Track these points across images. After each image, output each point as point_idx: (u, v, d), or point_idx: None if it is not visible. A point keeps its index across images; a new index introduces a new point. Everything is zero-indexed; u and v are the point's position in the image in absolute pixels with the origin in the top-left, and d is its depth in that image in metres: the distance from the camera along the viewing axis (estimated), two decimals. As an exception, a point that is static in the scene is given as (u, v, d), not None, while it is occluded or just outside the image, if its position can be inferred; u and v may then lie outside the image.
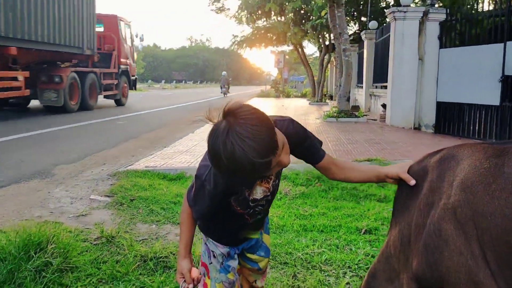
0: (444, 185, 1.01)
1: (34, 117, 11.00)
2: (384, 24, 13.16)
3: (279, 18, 23.40)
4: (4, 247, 2.26)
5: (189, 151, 6.02)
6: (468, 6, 8.53)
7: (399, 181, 1.23)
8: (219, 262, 1.50)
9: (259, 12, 22.81)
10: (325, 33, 19.69)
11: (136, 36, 18.05)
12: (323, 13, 16.14)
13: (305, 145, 1.36)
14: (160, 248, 2.55)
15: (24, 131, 7.92)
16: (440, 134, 8.66)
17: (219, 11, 26.23)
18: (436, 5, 9.63)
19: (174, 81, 73.07)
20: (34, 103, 12.78)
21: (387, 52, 10.08)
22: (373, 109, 13.40)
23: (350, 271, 2.41)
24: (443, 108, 8.67)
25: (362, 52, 14.79)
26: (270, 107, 17.46)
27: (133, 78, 17.55)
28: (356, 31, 19.55)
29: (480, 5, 8.35)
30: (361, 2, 18.48)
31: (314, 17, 18.37)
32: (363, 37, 14.21)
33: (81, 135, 7.99)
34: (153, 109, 14.95)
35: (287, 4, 20.14)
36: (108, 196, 3.78)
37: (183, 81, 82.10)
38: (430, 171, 1.08)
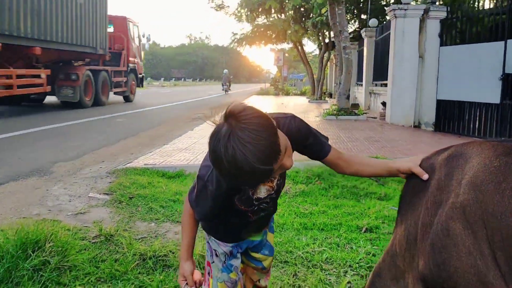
0: (453, 184, 0.98)
1: (49, 112, 11.69)
2: (384, 22, 13.13)
3: (279, 16, 23.34)
4: (1, 245, 2.23)
5: (188, 149, 5.99)
6: (469, 4, 8.48)
7: (408, 176, 1.20)
8: (222, 261, 1.48)
9: (259, 9, 22.74)
10: (325, 31, 19.62)
11: (143, 36, 18.94)
12: (323, 11, 16.10)
13: (309, 141, 1.33)
14: (159, 246, 2.52)
15: (24, 128, 7.89)
16: (440, 132, 8.64)
17: (218, 9, 26.15)
18: (437, 3, 9.59)
19: (173, 79, 73.01)
20: (49, 99, 13.84)
21: (387, 50, 10.05)
22: (372, 107, 13.38)
23: (351, 270, 2.39)
24: (443, 106, 8.65)
25: (362, 50, 14.76)
26: (270, 105, 17.43)
27: (140, 76, 18.49)
28: (356, 29, 19.50)
29: (481, 3, 8.33)
30: (361, 0, 18.43)
31: (314, 15, 18.31)
32: (363, 35, 14.18)
33: (81, 132, 7.96)
34: (153, 107, 14.98)
35: (287, 1, 20.08)
36: (106, 194, 3.75)
37: (182, 79, 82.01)
38: (438, 169, 1.05)
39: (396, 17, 9.14)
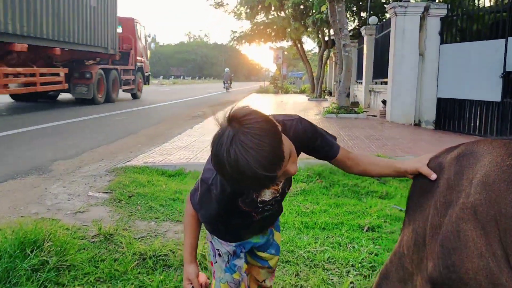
0: (463, 183, 0.95)
1: (64, 108, 12.48)
2: (384, 20, 13.10)
3: (278, 13, 23.29)
4: (-1, 245, 2.20)
5: (188, 147, 5.95)
6: (469, 2, 8.44)
7: (415, 176, 1.18)
8: (225, 261, 1.45)
9: (259, 6, 22.71)
10: (324, 28, 19.59)
11: (149, 36, 19.95)
12: (323, 9, 16.06)
13: (317, 143, 1.30)
14: (159, 246, 2.50)
15: (22, 126, 7.85)
16: (440, 130, 8.62)
17: (217, 6, 26.11)
18: (437, 0, 9.57)
19: (172, 77, 72.86)
20: (62, 96, 15.00)
21: (387, 47, 10.02)
22: (372, 105, 13.36)
23: (353, 269, 2.36)
24: (443, 104, 8.62)
25: (362, 48, 14.72)
26: (269, 103, 17.40)
27: (146, 74, 19.53)
28: (356, 27, 19.47)
29: (481, 0, 8.28)
30: (361, -2, 18.39)
31: (314, 12, 18.27)
32: (362, 32, 14.14)
33: (80, 130, 7.92)
34: (153, 104, 14.99)
35: (287, -1, 20.04)
36: (106, 192, 3.72)
37: (181, 77, 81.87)
38: (447, 168, 1.02)
39: (396, 15, 9.11)
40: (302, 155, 1.35)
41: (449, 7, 8.73)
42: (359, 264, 2.41)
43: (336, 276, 2.28)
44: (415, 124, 9.22)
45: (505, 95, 7.17)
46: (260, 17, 25.30)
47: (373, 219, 3.13)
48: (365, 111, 11.67)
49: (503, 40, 7.12)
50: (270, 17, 24.79)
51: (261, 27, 25.49)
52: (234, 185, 1.13)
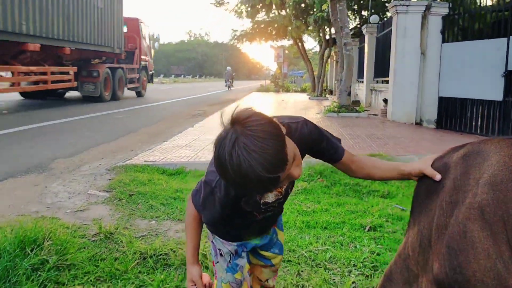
0: (470, 183, 0.93)
1: (69, 106, 12.80)
2: (385, 18, 13.06)
3: (279, 12, 23.24)
4: (-1, 243, 2.19)
5: (188, 146, 5.94)
6: (471, 0, 8.41)
7: (420, 178, 1.16)
8: (226, 261, 1.44)
9: (260, 5, 22.68)
10: (325, 27, 19.55)
11: (153, 36, 20.52)
12: (324, 7, 16.02)
13: (322, 146, 1.29)
14: (160, 245, 2.48)
15: (24, 123, 7.84)
16: (442, 129, 8.59)
17: (218, 5, 26.08)
18: (439, -1, 9.52)
19: (173, 76, 72.80)
20: (68, 94, 15.60)
21: (388, 46, 9.99)
22: (373, 104, 13.33)
23: (355, 269, 2.35)
24: (445, 103, 8.60)
25: (363, 47, 14.69)
26: (270, 101, 17.38)
27: (150, 72, 19.95)
28: (357, 25, 19.43)
29: (483, -1, 8.26)
30: (362, -4, 18.35)
31: (315, 11, 18.24)
32: (364, 31, 14.11)
33: (81, 128, 7.90)
34: (154, 103, 14.97)
35: (288, -3, 20.00)
36: (106, 191, 3.71)
37: (182, 76, 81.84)
38: (453, 167, 1.01)
39: (397, 13, 9.08)
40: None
41: (450, 6, 8.70)
42: (361, 264, 2.40)
43: (338, 276, 2.26)
44: (416, 123, 9.20)
45: (507, 94, 7.14)
46: (261, 16, 25.27)
47: (375, 218, 3.11)
48: (366, 110, 11.65)
49: (505, 39, 7.09)
50: (271, 15, 24.75)
51: (262, 25, 25.44)
52: (237, 188, 1.11)
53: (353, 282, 2.20)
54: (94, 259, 2.32)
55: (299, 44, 25.25)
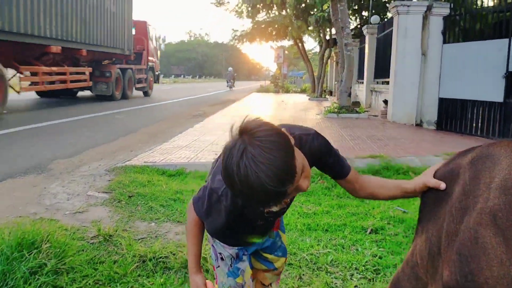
0: (480, 187, 0.90)
1: (82, 104, 13.18)
2: (386, 19, 13.03)
3: (280, 12, 23.22)
4: (-4, 246, 2.16)
5: (189, 146, 5.91)
6: (472, 1, 8.38)
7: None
8: (227, 265, 1.42)
9: (261, 5, 22.66)
10: (326, 27, 19.54)
11: (159, 38, 21.34)
12: (325, 7, 16.01)
13: (329, 161, 1.28)
14: (159, 247, 2.45)
15: (24, 123, 7.81)
16: (442, 131, 8.57)
17: (218, 5, 26.05)
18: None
19: (173, 76, 72.72)
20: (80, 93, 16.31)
21: (389, 47, 9.96)
22: (373, 105, 13.30)
23: (357, 273, 2.32)
24: (445, 104, 8.57)
25: (363, 47, 14.67)
26: (270, 102, 17.36)
27: (157, 73, 20.78)
28: (357, 26, 19.41)
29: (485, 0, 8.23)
30: (362, -3, 18.32)
31: (316, 11, 18.22)
32: (364, 31, 14.08)
33: (82, 128, 7.87)
34: (157, 103, 14.99)
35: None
36: (105, 192, 3.68)
37: (182, 76, 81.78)
38: (462, 172, 0.98)
39: (398, 14, 9.05)
40: None
41: (452, 6, 8.67)
42: (363, 267, 2.37)
43: (340, 280, 2.24)
44: (416, 125, 9.17)
45: (508, 95, 7.11)
46: (262, 16, 25.24)
47: (376, 220, 3.09)
48: (366, 111, 11.62)
49: (507, 40, 7.07)
50: (271, 15, 24.72)
51: (263, 25, 25.40)
52: (243, 199, 1.09)
53: (355, 286, 2.17)
54: (92, 262, 2.29)
55: (299, 44, 25.23)
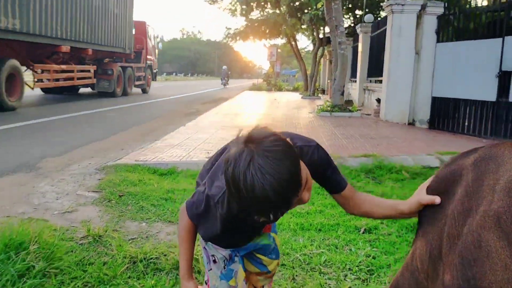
0: (484, 190, 0.87)
1: (84, 100, 13.14)
2: (380, 18, 13.04)
3: (274, 10, 23.19)
4: (-19, 247, 2.10)
5: (180, 145, 5.85)
6: (466, 0, 8.41)
7: (427, 188, 1.11)
8: (221, 267, 1.40)
9: (255, 3, 22.61)
10: (320, 26, 19.53)
11: (157, 37, 22.16)
12: (319, 5, 15.99)
13: (327, 174, 1.26)
14: (150, 248, 2.40)
15: (24, 120, 7.69)
16: (434, 130, 8.59)
17: (212, 2, 25.94)
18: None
19: (165, 73, 72.31)
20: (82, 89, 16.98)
21: (383, 46, 9.96)
22: (366, 103, 13.32)
23: (351, 273, 2.29)
24: (438, 104, 8.59)
25: (357, 46, 14.67)
26: (262, 100, 17.32)
27: (155, 71, 21.64)
28: (351, 25, 19.42)
29: (478, -1, 8.26)
30: (356, -5, 18.34)
31: (310, 9, 18.21)
32: (358, 30, 14.08)
33: (73, 125, 7.77)
34: (146, 101, 14.84)
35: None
36: (95, 191, 3.61)
37: (174, 73, 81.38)
38: (465, 174, 0.94)
39: (393, 13, 9.04)
40: None
41: (446, 6, 8.68)
42: (357, 268, 2.34)
43: (334, 281, 2.20)
44: (409, 123, 9.18)
45: (500, 94, 7.13)
46: (255, 14, 25.19)
47: (370, 220, 3.06)
48: (359, 110, 11.63)
49: (500, 39, 7.09)
50: (265, 13, 24.68)
51: (256, 24, 25.35)
52: (247, 208, 1.07)
53: (349, 287, 2.14)
54: (82, 263, 2.23)
55: (293, 43, 25.22)
